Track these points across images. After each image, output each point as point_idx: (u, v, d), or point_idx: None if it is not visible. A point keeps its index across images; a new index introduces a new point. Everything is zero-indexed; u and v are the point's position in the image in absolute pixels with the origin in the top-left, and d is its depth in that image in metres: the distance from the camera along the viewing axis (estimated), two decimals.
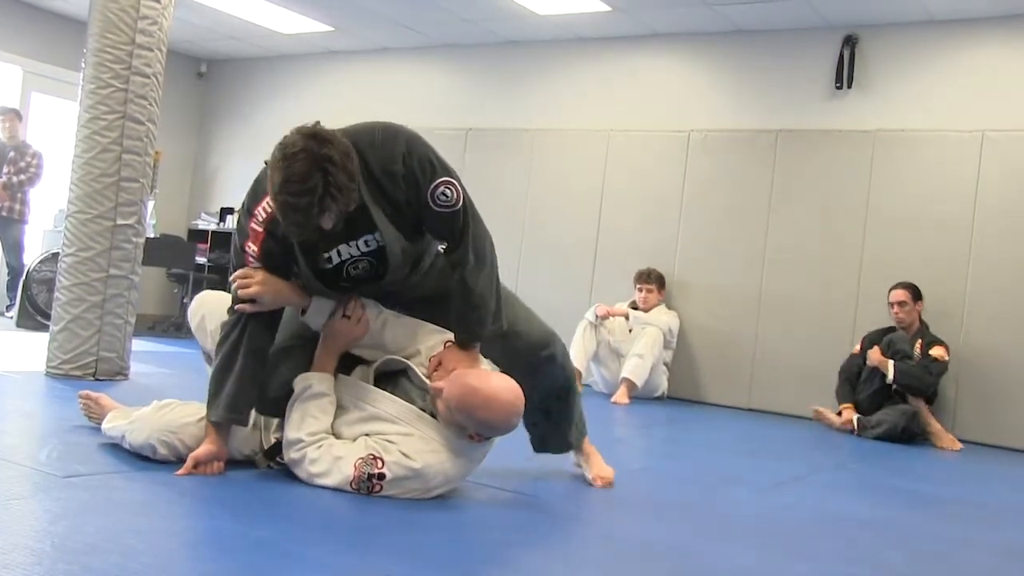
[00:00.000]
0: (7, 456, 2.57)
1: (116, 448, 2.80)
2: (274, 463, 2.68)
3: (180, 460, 2.59)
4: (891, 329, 5.62)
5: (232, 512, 2.26)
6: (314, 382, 2.62)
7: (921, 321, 5.63)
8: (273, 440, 2.70)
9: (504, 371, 2.65)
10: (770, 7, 6.14)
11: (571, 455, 3.10)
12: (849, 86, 6.26)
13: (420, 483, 2.49)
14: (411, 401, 2.58)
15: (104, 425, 2.89)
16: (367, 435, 2.55)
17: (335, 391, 2.63)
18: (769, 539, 2.64)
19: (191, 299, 8.38)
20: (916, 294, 5.61)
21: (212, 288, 8.44)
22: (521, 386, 2.54)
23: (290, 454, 2.57)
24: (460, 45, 7.78)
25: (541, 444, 3.05)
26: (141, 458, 2.67)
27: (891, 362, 5.39)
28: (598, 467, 3.05)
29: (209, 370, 2.75)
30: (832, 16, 6.17)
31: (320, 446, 2.54)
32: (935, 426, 5.36)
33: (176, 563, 1.79)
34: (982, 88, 5.88)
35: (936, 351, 5.45)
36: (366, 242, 2.54)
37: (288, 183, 2.23)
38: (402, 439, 2.51)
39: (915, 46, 6.11)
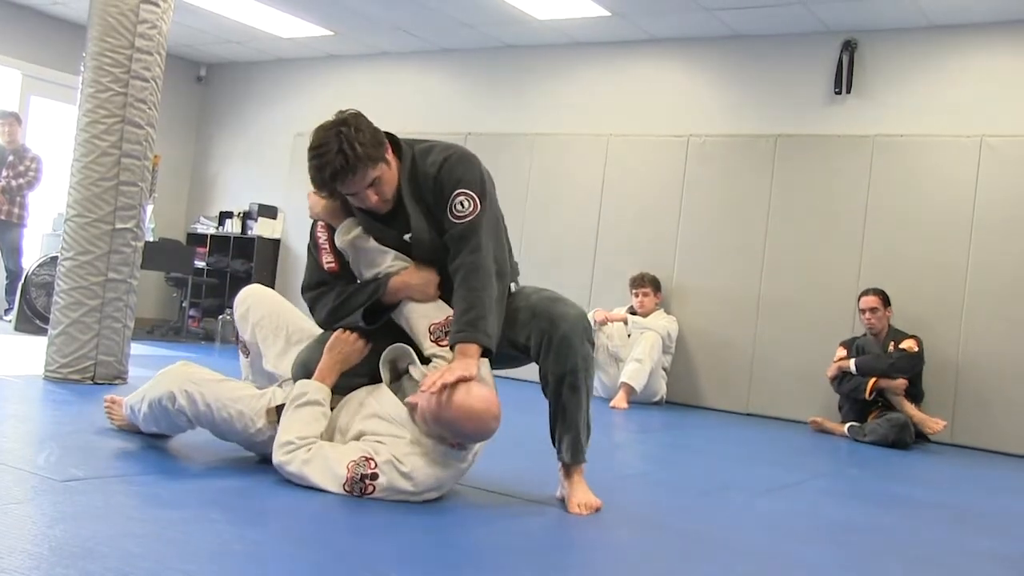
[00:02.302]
0: (5, 460, 2.57)
1: (114, 452, 2.80)
2: (277, 423, 2.68)
3: (192, 418, 2.73)
4: (861, 336, 5.70)
5: (229, 516, 2.26)
6: (310, 390, 2.65)
7: (890, 325, 5.65)
8: (279, 401, 2.74)
9: (524, 329, 2.65)
10: (769, 12, 6.15)
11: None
12: (848, 91, 6.27)
13: (410, 487, 2.50)
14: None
15: (125, 400, 3.00)
16: (362, 433, 2.59)
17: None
18: (765, 545, 2.64)
19: (189, 303, 8.40)
20: (886, 300, 5.64)
21: (211, 293, 8.46)
22: (545, 364, 2.60)
23: (279, 456, 2.58)
24: (459, 50, 7.79)
25: (560, 452, 2.74)
26: (140, 461, 2.67)
27: (852, 360, 5.51)
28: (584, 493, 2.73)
29: (243, 359, 3.06)
30: (831, 21, 6.18)
31: (310, 449, 2.56)
32: (917, 415, 5.39)
33: (173, 567, 1.79)
34: (981, 94, 5.89)
35: (906, 343, 5.48)
36: (406, 239, 2.70)
37: (312, 150, 2.55)
38: (392, 441, 2.53)
39: (914, 51, 6.12)
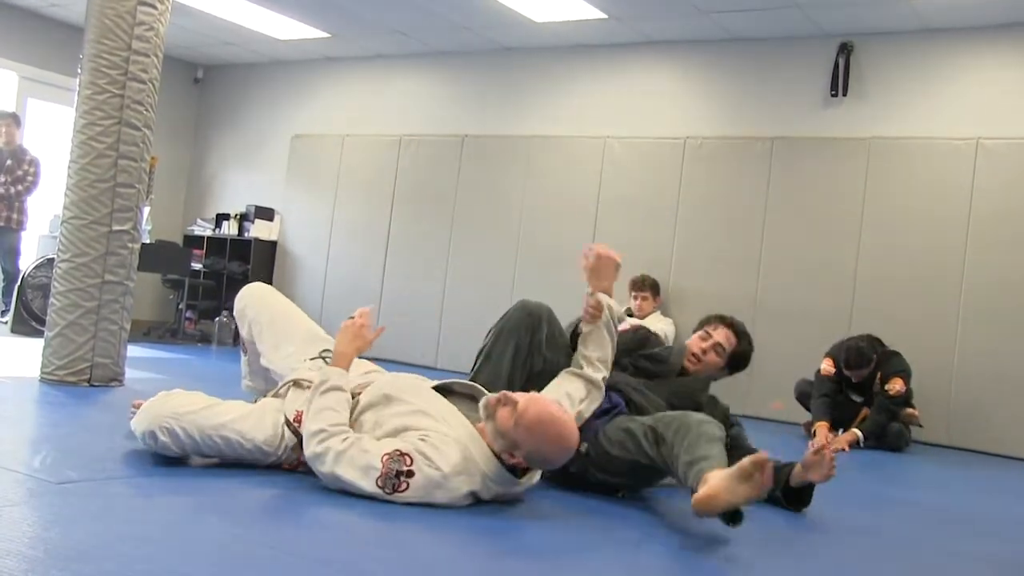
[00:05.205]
0: (0, 462, 2.56)
1: (110, 454, 2.80)
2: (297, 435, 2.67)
3: (180, 450, 2.64)
4: (851, 339, 5.51)
5: (226, 519, 2.26)
6: (332, 376, 2.63)
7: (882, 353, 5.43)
8: (272, 410, 2.72)
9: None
10: (766, 15, 6.16)
11: None
12: (844, 94, 6.28)
13: (444, 494, 2.47)
14: (467, 416, 2.62)
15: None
16: (405, 428, 2.55)
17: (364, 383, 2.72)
18: (761, 549, 2.64)
19: (185, 305, 8.37)
20: (876, 365, 5.28)
21: (207, 295, 8.45)
22: None
23: (312, 447, 2.50)
24: (457, 52, 7.80)
25: None
26: (136, 463, 2.66)
27: (858, 432, 5.20)
28: None
29: (243, 358, 3.10)
30: (827, 24, 6.19)
31: (346, 438, 2.50)
32: (901, 413, 5.37)
33: (170, 569, 1.78)
34: (977, 97, 5.91)
35: (892, 386, 5.22)
36: None
37: None
38: (438, 438, 2.50)
39: (910, 54, 6.14)
